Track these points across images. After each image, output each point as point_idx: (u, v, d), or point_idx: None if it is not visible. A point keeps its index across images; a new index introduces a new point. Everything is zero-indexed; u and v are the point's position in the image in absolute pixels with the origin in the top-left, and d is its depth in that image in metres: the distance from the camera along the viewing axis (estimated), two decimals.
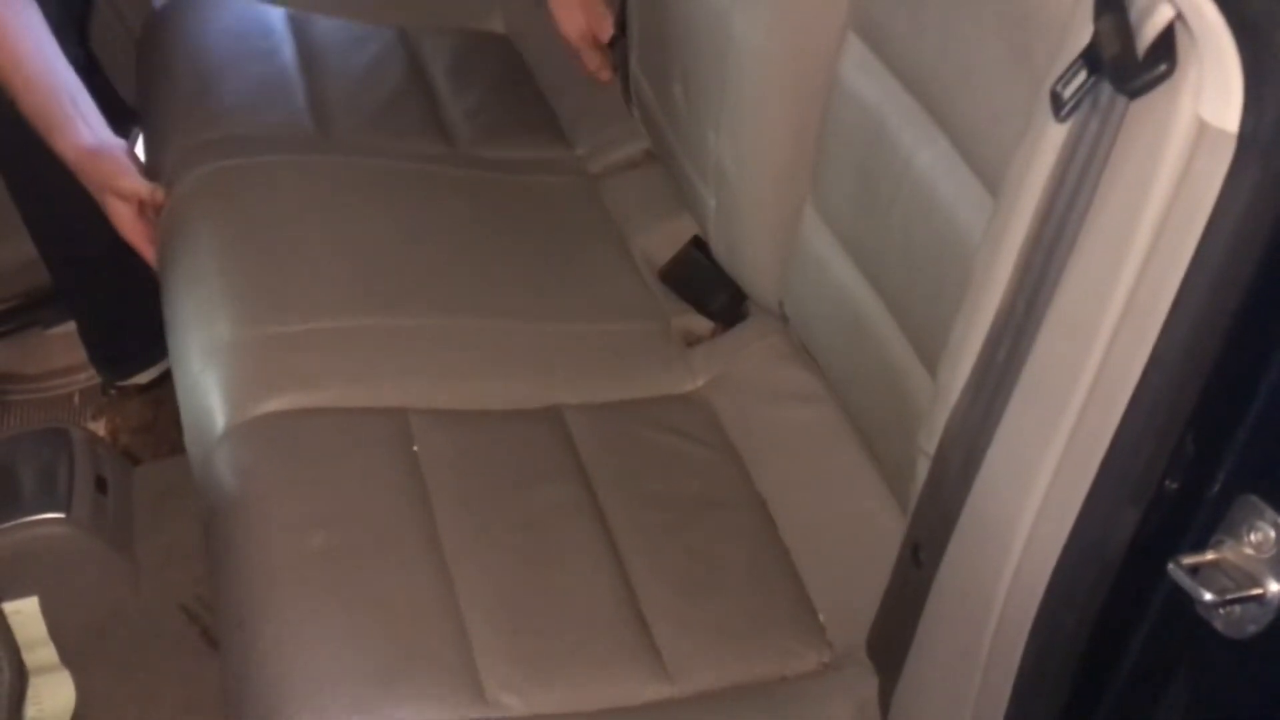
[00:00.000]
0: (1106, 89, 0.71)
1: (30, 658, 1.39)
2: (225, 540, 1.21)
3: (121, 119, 1.68)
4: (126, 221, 1.60)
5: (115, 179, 1.58)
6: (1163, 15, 0.67)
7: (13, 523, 1.39)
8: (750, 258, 1.41)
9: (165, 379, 1.70)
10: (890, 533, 1.18)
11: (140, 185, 1.59)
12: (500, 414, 1.35)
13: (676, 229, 1.59)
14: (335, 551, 1.16)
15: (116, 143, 1.61)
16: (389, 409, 1.32)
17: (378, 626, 1.11)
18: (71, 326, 1.94)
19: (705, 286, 1.52)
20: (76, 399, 1.98)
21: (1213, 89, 0.66)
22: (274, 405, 1.31)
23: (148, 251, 1.60)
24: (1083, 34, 0.74)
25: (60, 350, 1.98)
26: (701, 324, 1.54)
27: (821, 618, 1.21)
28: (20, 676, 1.36)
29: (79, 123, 1.58)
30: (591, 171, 1.72)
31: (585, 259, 1.55)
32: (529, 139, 1.75)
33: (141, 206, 1.59)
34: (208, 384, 1.34)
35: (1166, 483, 0.75)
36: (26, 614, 1.41)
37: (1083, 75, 0.72)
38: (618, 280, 1.53)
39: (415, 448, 1.28)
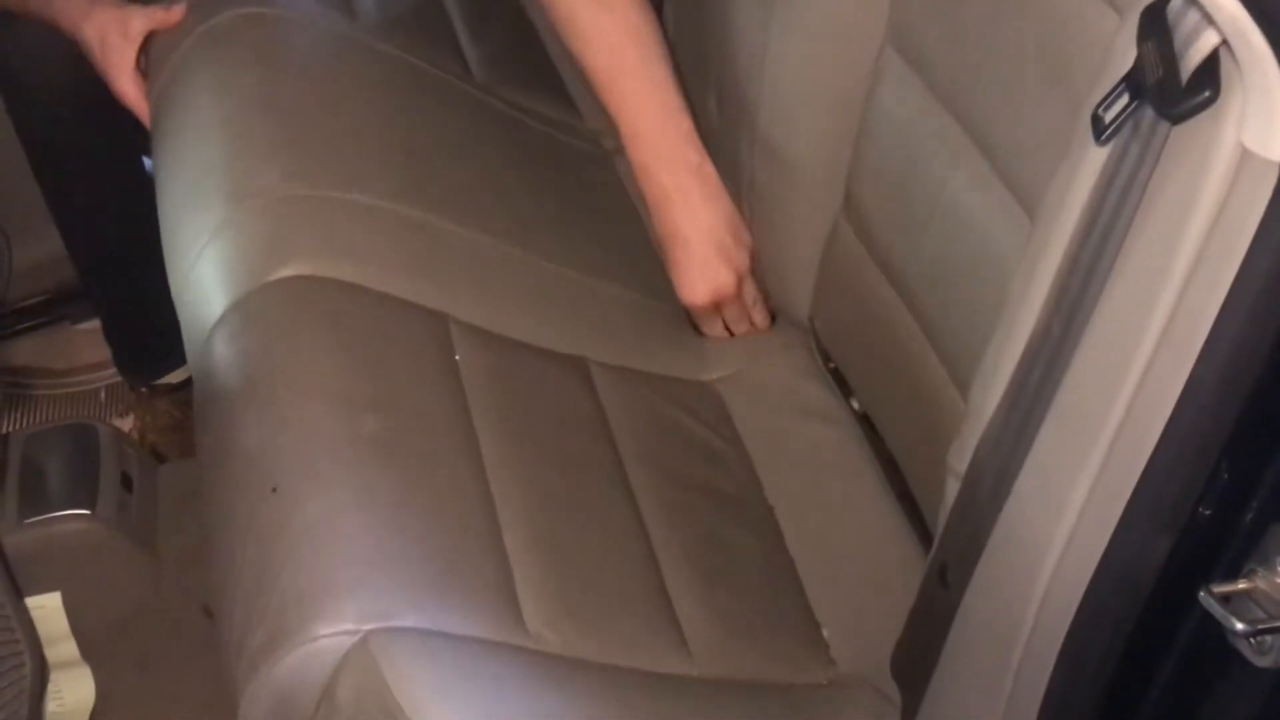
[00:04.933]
0: (1148, 114, 0.71)
1: (51, 653, 1.40)
2: (253, 398, 1.14)
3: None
4: (126, 71, 1.55)
5: (125, 17, 1.54)
6: (1208, 41, 0.67)
7: (38, 518, 1.39)
8: (781, 271, 1.41)
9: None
10: (901, 564, 1.18)
11: (153, 13, 1.55)
12: (533, 349, 1.30)
13: None
14: (387, 440, 1.10)
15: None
16: (431, 310, 1.25)
17: (426, 529, 1.06)
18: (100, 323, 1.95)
19: None
20: (103, 395, 1.98)
21: (1257, 116, 0.65)
22: (305, 268, 1.22)
23: (143, 106, 1.56)
24: (1125, 57, 0.73)
25: (88, 345, 1.99)
26: None
27: (825, 633, 1.19)
28: (41, 671, 1.38)
29: None
30: (607, 147, 1.66)
31: (612, 223, 1.50)
32: (545, 99, 1.67)
33: (138, 61, 1.56)
34: (227, 241, 1.25)
35: (1200, 510, 0.75)
36: (49, 609, 1.41)
37: (1125, 99, 0.72)
38: (642, 256, 1.47)
39: (457, 357, 1.22)
